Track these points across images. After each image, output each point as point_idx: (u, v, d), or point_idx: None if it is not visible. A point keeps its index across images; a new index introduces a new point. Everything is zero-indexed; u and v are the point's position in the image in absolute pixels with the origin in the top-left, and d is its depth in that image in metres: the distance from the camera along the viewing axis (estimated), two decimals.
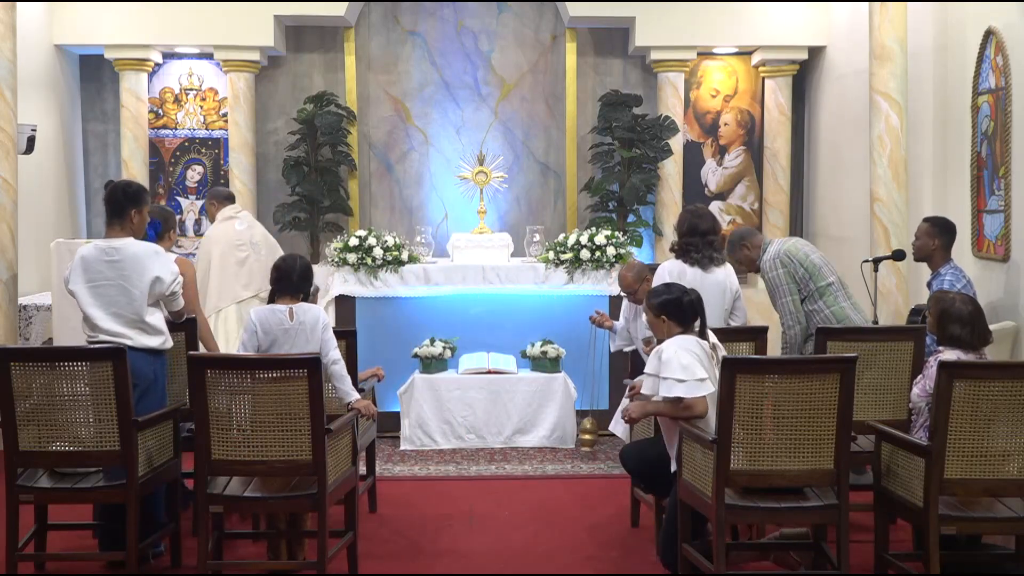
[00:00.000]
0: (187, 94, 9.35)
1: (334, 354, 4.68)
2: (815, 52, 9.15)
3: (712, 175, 9.49)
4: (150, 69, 9.13)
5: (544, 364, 7.08)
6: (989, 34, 6.27)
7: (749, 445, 3.98)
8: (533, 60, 9.55)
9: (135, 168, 8.96)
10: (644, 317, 4.76)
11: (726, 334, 4.96)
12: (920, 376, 4.53)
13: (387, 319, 7.34)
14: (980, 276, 6.19)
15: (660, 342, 4.38)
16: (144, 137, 9.11)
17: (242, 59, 8.95)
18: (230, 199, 7.15)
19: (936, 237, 5.66)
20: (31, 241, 8.00)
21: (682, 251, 5.68)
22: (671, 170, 9.07)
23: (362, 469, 5.35)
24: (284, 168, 9.11)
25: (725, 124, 9.46)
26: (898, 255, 6.24)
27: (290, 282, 4.68)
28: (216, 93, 9.34)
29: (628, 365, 6.44)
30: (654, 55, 9.05)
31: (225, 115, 9.25)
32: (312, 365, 4.12)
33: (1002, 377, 3.94)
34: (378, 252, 7.19)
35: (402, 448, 6.92)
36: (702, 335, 4.35)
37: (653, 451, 4.56)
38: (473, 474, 6.35)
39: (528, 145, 9.60)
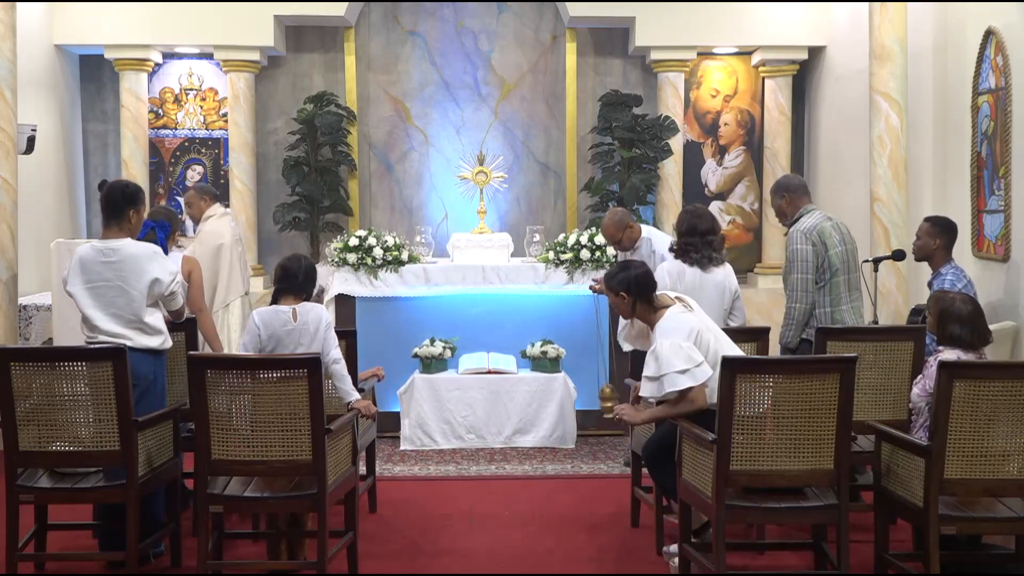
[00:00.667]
0: (187, 94, 9.35)
1: (335, 353, 4.68)
2: (815, 52, 9.15)
3: (712, 175, 9.49)
4: (150, 69, 9.13)
5: (544, 364, 7.08)
6: (989, 34, 6.27)
7: (749, 445, 3.98)
8: (533, 60, 9.55)
9: (135, 168, 8.96)
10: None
11: (726, 334, 4.96)
12: (920, 376, 4.53)
13: (387, 319, 7.34)
14: (980, 276, 6.19)
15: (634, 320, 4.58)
16: (144, 137, 9.11)
17: (242, 59, 8.95)
18: (217, 198, 7.17)
19: (937, 237, 5.65)
20: (31, 241, 8.00)
21: (681, 251, 5.66)
22: (671, 170, 9.07)
23: (362, 469, 5.36)
24: (284, 168, 9.12)
25: (725, 124, 9.46)
26: (898, 255, 6.24)
27: (296, 282, 4.66)
28: (216, 93, 9.34)
29: (628, 365, 6.44)
30: (654, 55, 9.05)
31: (225, 115, 9.25)
32: (312, 365, 4.11)
33: (1002, 377, 3.93)
34: (378, 252, 7.19)
35: (402, 448, 6.92)
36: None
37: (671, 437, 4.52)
38: (473, 474, 6.35)
39: (528, 145, 9.61)
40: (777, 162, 9.24)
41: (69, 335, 6.31)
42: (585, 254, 7.16)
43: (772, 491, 4.10)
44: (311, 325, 4.60)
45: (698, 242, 5.59)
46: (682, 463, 4.35)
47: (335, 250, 7.27)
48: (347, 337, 5.24)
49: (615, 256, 7.18)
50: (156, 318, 4.64)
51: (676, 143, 9.06)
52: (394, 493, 5.86)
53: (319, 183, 9.03)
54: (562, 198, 9.58)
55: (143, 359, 4.54)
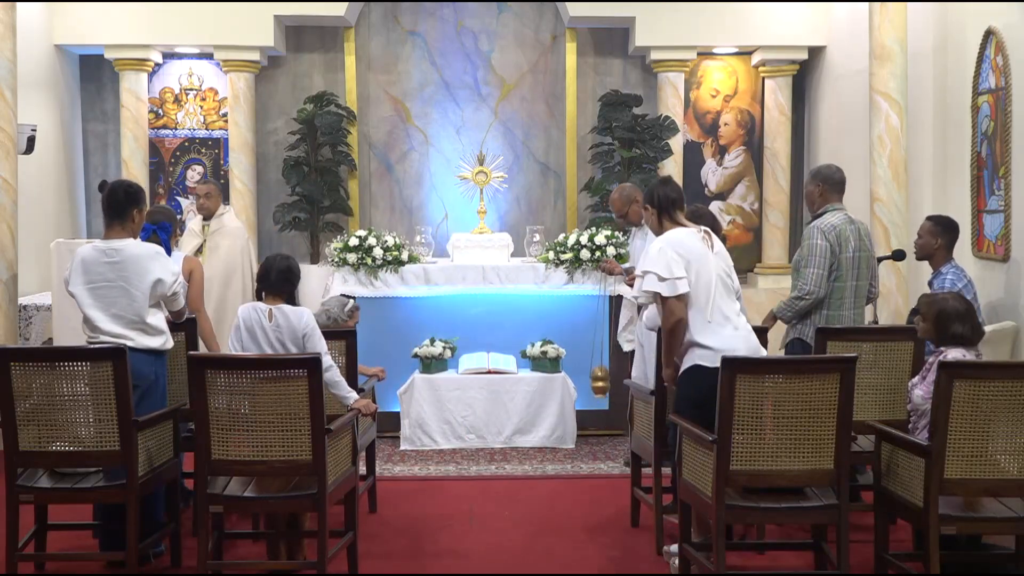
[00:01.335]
0: (187, 94, 9.35)
1: (325, 360, 4.59)
2: (815, 52, 9.15)
3: (712, 175, 9.49)
4: (150, 69, 9.13)
5: (544, 364, 7.08)
6: (989, 34, 6.27)
7: (749, 445, 3.98)
8: (533, 60, 9.55)
9: (135, 168, 8.96)
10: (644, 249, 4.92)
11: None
12: (919, 378, 4.50)
13: (387, 319, 7.34)
14: (980, 276, 6.19)
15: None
16: (144, 137, 9.11)
17: (242, 59, 8.94)
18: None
19: (939, 236, 5.65)
20: (31, 241, 8.00)
21: None
22: (671, 170, 9.06)
23: (362, 469, 5.36)
24: (284, 168, 9.12)
25: (725, 124, 9.46)
26: (898, 255, 6.23)
27: (268, 281, 4.61)
28: (216, 93, 9.34)
29: (628, 365, 6.44)
30: (654, 55, 9.04)
31: (225, 115, 9.25)
32: (312, 365, 4.11)
33: (1002, 377, 3.93)
34: (378, 252, 7.19)
35: (402, 448, 6.92)
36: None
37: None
38: (473, 474, 6.35)
39: (528, 145, 9.60)
40: (777, 162, 9.24)
41: (69, 335, 6.31)
42: (585, 254, 7.16)
43: (772, 491, 4.10)
44: (286, 330, 4.52)
45: None
46: (682, 463, 4.35)
47: (335, 250, 7.27)
48: (347, 337, 5.24)
49: (615, 258, 7.18)
50: (158, 318, 4.64)
51: (676, 143, 9.06)
52: (394, 493, 5.86)
53: (319, 183, 9.03)
54: (562, 198, 9.58)
55: (144, 359, 4.54)
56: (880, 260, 6.16)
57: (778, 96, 9.25)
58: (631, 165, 8.92)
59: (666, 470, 4.92)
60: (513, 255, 7.65)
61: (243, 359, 4.26)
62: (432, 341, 7.12)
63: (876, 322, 6.28)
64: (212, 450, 4.16)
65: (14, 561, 4.33)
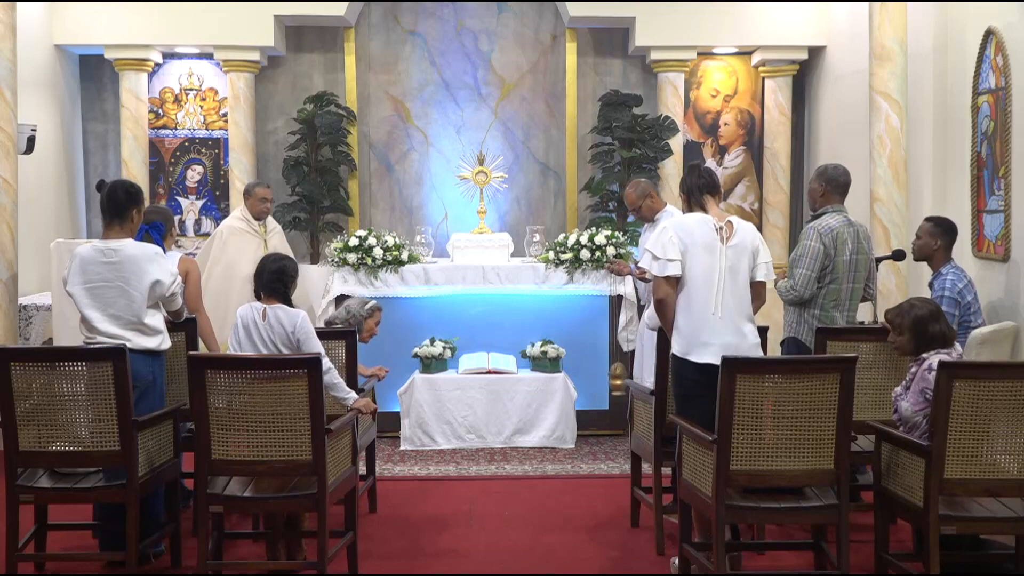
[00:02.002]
0: (187, 94, 9.35)
1: (323, 362, 4.59)
2: (815, 52, 9.15)
3: None
4: (150, 69, 9.13)
5: (544, 364, 7.08)
6: (989, 34, 6.27)
7: (749, 445, 3.98)
8: (533, 60, 9.55)
9: (135, 168, 8.96)
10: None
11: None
12: (901, 388, 4.41)
13: (387, 319, 7.29)
14: (980, 276, 6.19)
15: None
16: (144, 137, 9.11)
17: (242, 59, 8.95)
18: None
19: (939, 237, 5.65)
20: (31, 241, 8.00)
21: None
22: (671, 170, 9.06)
23: (362, 469, 5.36)
24: (284, 168, 9.12)
25: (725, 124, 9.46)
26: (898, 255, 6.23)
27: (260, 280, 4.64)
28: (216, 93, 9.34)
29: (629, 365, 6.45)
30: (654, 55, 9.05)
31: (225, 115, 9.25)
32: (312, 365, 4.12)
33: (1002, 377, 3.94)
34: (378, 252, 7.19)
35: (402, 448, 6.92)
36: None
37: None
38: (473, 474, 6.35)
39: (528, 145, 9.61)
40: (777, 162, 9.24)
41: (69, 335, 6.31)
42: (585, 254, 7.15)
43: (772, 491, 4.10)
44: (277, 331, 4.53)
45: None
46: (682, 463, 4.35)
47: (335, 250, 7.27)
48: (347, 337, 5.25)
49: (615, 258, 7.18)
50: (156, 319, 4.64)
51: (676, 143, 9.06)
52: (394, 493, 5.86)
53: (319, 183, 9.03)
54: (562, 198, 9.58)
55: (142, 360, 4.54)
56: (880, 260, 6.15)
57: (778, 96, 9.26)
58: (631, 165, 8.92)
59: (666, 470, 4.92)
60: (513, 255, 7.65)
61: (243, 359, 4.26)
62: (432, 341, 7.12)
63: (876, 322, 6.28)
64: (212, 450, 4.16)
65: (14, 561, 4.34)
